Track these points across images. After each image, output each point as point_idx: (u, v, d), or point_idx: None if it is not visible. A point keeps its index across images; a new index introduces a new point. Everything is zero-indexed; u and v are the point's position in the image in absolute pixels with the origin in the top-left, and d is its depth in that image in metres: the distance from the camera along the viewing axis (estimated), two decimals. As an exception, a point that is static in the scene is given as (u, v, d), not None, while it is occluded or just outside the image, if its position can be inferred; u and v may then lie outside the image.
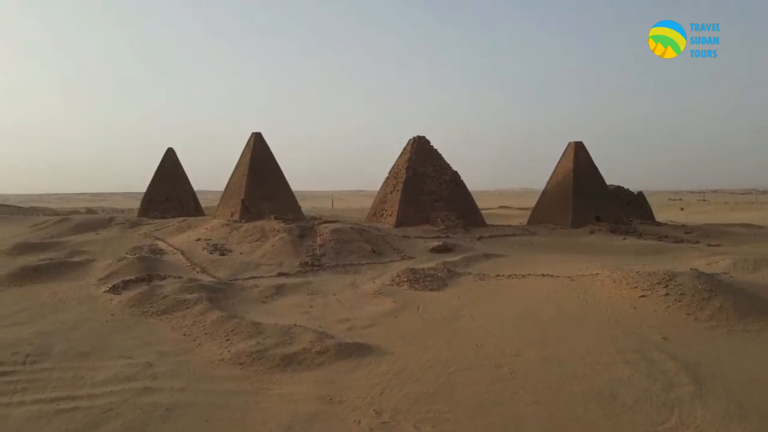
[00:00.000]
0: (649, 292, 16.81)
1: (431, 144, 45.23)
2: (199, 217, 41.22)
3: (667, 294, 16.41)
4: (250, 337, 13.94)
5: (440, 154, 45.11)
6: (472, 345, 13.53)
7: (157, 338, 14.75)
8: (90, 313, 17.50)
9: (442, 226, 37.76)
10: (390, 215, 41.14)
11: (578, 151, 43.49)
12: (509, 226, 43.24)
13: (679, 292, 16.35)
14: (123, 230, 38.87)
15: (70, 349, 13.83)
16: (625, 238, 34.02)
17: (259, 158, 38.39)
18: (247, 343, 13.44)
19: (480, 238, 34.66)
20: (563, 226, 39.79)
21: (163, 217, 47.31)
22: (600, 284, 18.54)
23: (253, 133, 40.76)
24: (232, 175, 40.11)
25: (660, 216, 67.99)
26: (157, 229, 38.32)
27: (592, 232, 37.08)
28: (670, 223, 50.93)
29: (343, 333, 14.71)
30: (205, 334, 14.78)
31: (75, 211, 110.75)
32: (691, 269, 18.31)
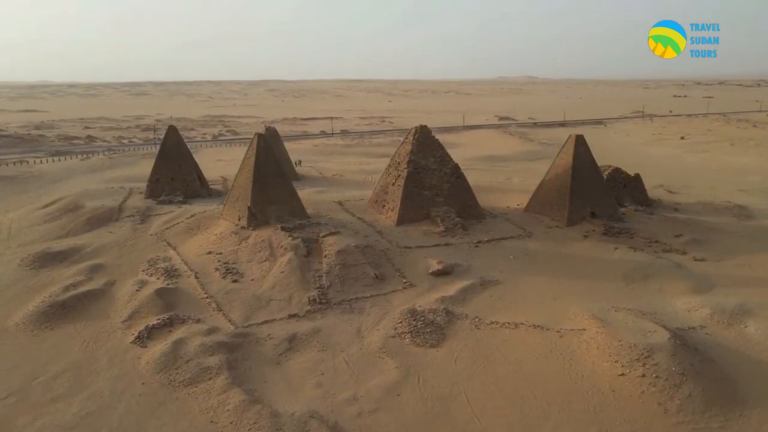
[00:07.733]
0: (628, 371, 18.70)
1: (432, 135, 45.83)
2: (207, 212, 42.47)
3: (643, 375, 18.31)
4: (270, 435, 15.92)
5: (441, 145, 45.70)
6: (465, 446, 15.56)
7: (188, 426, 16.76)
8: (123, 381, 19.46)
9: (442, 227, 39.19)
10: (392, 210, 42.40)
11: (578, 145, 44.05)
12: (507, 212, 44.49)
13: (654, 375, 18.25)
14: (134, 227, 40.41)
15: (114, 445, 15.89)
16: (616, 248, 35.59)
17: (263, 161, 39.13)
18: (269, 446, 15.43)
19: (478, 245, 36.26)
20: (559, 224, 41.18)
21: (170, 201, 48.75)
22: (585, 348, 20.42)
23: (256, 134, 41.18)
24: (237, 176, 40.97)
25: (658, 154, 71.22)
26: (167, 228, 39.85)
27: (585, 236, 38.58)
28: (663, 196, 52.09)
29: (352, 422, 16.72)
30: (231, 423, 16.77)
31: (74, 138, 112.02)
32: (668, 338, 20.03)
